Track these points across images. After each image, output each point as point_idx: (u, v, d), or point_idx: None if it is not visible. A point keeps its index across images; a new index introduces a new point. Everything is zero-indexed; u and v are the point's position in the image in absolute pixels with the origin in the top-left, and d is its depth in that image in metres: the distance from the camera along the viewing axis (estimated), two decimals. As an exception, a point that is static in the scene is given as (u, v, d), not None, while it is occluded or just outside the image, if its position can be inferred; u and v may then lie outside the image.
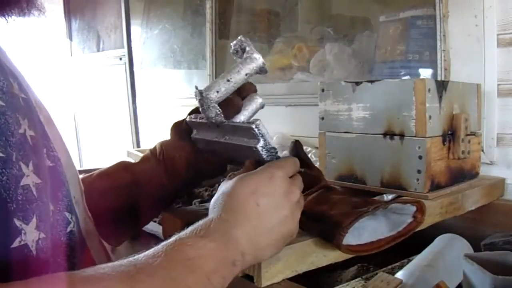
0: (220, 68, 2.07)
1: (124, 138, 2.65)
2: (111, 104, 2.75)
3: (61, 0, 3.14)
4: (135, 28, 2.66)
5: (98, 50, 2.94)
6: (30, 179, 0.38)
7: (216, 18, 2.05)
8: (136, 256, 0.39)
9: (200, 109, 0.56)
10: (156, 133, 2.52)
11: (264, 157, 0.53)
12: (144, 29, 2.69)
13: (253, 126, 0.52)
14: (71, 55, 3.19)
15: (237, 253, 0.44)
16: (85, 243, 0.50)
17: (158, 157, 0.68)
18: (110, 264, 0.37)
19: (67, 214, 0.45)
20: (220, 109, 0.55)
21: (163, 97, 2.45)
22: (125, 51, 2.59)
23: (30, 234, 0.37)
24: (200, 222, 0.44)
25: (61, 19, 3.17)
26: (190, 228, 0.43)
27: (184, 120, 0.68)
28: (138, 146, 2.61)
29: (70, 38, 3.18)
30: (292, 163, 0.52)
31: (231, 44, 0.59)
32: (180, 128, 0.68)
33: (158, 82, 2.59)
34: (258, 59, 0.57)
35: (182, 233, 0.43)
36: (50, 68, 3.09)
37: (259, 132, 0.53)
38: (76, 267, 0.45)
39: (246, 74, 0.57)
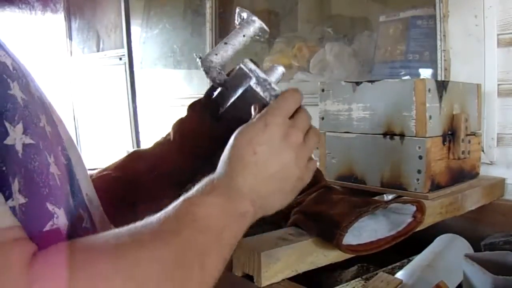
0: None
1: (124, 138, 2.65)
2: (111, 104, 2.75)
3: (61, 0, 3.14)
4: (135, 28, 2.66)
5: (98, 50, 2.94)
6: (54, 168, 0.38)
7: (216, 18, 2.05)
8: (146, 221, 0.38)
9: (206, 76, 0.56)
10: (156, 133, 2.51)
11: (261, 94, 0.50)
12: (144, 29, 2.69)
13: (240, 65, 0.51)
14: (71, 55, 3.19)
15: (243, 204, 0.43)
16: None
17: (174, 136, 0.66)
18: (118, 230, 0.37)
19: (81, 210, 0.45)
20: (220, 68, 0.55)
21: (163, 97, 2.45)
22: (125, 51, 2.59)
23: (62, 218, 0.37)
24: (205, 179, 0.44)
25: (61, 19, 3.17)
26: (196, 187, 0.43)
27: (200, 99, 0.67)
28: (138, 146, 2.60)
29: (70, 38, 3.18)
30: (291, 101, 0.47)
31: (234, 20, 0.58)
32: (197, 105, 0.66)
33: (158, 82, 2.59)
34: (256, 21, 0.57)
35: (189, 193, 0.42)
36: (50, 68, 3.09)
37: (247, 69, 0.51)
38: None
39: (243, 36, 0.56)
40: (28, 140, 0.36)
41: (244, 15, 0.57)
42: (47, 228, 0.36)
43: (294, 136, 0.45)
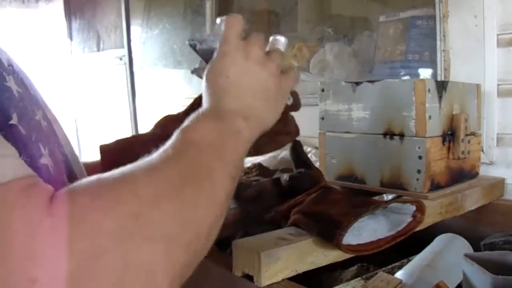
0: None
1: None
2: (111, 104, 2.75)
3: (61, 0, 3.14)
4: (135, 28, 2.66)
5: (98, 50, 2.94)
6: (47, 159, 0.38)
7: (216, 18, 2.05)
8: (144, 160, 0.38)
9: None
10: (156, 133, 2.51)
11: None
12: (144, 29, 2.69)
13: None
14: (72, 54, 3.19)
15: (236, 121, 0.45)
16: None
17: (155, 130, 0.67)
18: (120, 170, 0.36)
19: None
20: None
21: (163, 97, 2.45)
22: (125, 51, 2.59)
23: None
24: (193, 114, 0.44)
25: (61, 19, 3.17)
26: (185, 122, 0.43)
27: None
28: (138, 146, 2.60)
29: (70, 38, 3.18)
30: (233, 25, 0.50)
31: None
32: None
33: (158, 82, 2.59)
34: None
35: (180, 127, 0.42)
36: (50, 68, 3.09)
37: (192, 43, 0.53)
38: None
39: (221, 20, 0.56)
40: (22, 131, 0.36)
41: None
42: None
43: (253, 51, 0.48)
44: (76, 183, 0.32)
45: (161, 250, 0.31)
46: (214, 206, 0.38)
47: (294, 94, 0.60)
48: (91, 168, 0.61)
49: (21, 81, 0.40)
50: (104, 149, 0.67)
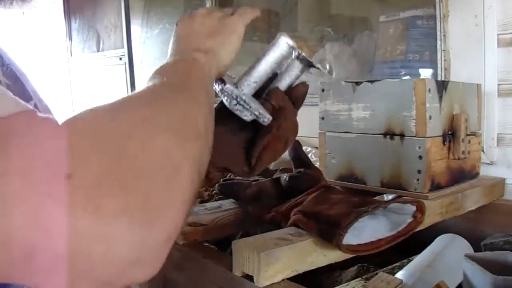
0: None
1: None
2: (111, 104, 2.74)
3: (61, 0, 3.14)
4: (135, 28, 2.66)
5: (98, 50, 2.94)
6: None
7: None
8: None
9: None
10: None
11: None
12: (144, 28, 2.69)
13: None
14: (71, 55, 3.19)
15: (189, 53, 0.50)
16: None
17: None
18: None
19: None
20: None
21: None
22: (125, 51, 2.59)
23: None
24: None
25: (61, 19, 3.17)
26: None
27: None
28: (138, 146, 2.59)
29: (70, 38, 3.18)
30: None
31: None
32: None
33: (158, 82, 2.58)
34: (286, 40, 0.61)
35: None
36: (50, 68, 3.09)
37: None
38: None
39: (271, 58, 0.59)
40: None
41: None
42: None
43: (199, 11, 0.57)
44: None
45: (172, 140, 0.32)
46: (201, 105, 0.40)
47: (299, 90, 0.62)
48: None
49: (11, 73, 0.41)
50: None
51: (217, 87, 0.55)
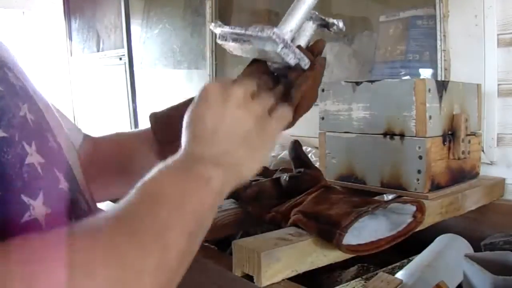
0: (220, 68, 2.07)
1: (124, 138, 2.64)
2: (111, 104, 2.74)
3: (61, 0, 3.14)
4: (135, 28, 2.66)
5: (98, 50, 2.94)
6: (34, 158, 0.38)
7: (216, 18, 2.05)
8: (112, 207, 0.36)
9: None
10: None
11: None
12: (144, 29, 2.69)
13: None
14: (71, 55, 3.19)
15: (205, 168, 0.41)
16: None
17: (151, 124, 0.66)
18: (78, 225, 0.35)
19: (77, 194, 0.46)
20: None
21: (163, 97, 2.45)
22: (125, 51, 2.59)
23: (39, 209, 0.37)
24: (159, 166, 0.41)
25: (61, 19, 3.17)
26: (153, 169, 0.40)
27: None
28: (138, 146, 2.60)
29: (70, 38, 3.18)
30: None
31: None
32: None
33: (158, 82, 2.59)
34: None
35: (144, 178, 0.39)
36: (50, 68, 3.09)
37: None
38: None
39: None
40: (1, 134, 0.36)
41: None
42: (24, 219, 0.36)
43: (233, 93, 0.45)
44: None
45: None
46: (162, 271, 0.35)
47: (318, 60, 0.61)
48: (144, 136, 0.64)
49: (4, 76, 0.40)
50: (153, 116, 0.66)
51: (260, 33, 0.54)
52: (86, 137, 0.68)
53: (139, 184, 0.38)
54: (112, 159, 0.68)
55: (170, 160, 0.42)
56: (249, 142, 0.44)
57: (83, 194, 0.48)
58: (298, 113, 0.57)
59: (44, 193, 0.39)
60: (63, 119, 0.55)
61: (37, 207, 0.37)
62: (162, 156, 0.53)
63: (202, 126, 0.43)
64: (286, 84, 0.57)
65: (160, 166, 0.40)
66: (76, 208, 0.44)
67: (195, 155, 0.42)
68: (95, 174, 0.61)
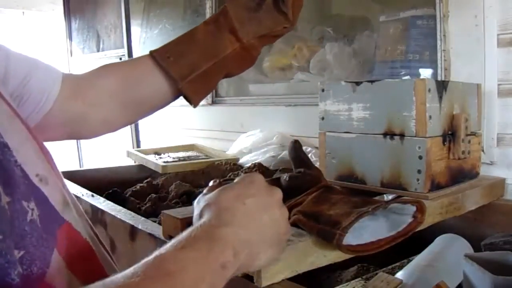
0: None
1: (124, 138, 2.65)
2: (111, 104, 2.75)
3: (61, 0, 3.15)
4: (135, 28, 2.66)
5: (98, 50, 2.94)
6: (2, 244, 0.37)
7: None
8: (112, 278, 0.36)
9: None
10: (156, 133, 2.52)
11: None
12: (144, 29, 2.69)
13: None
14: (71, 55, 3.19)
15: (225, 254, 0.41)
16: (92, 250, 0.49)
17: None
18: None
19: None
20: None
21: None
22: (125, 51, 2.59)
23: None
24: (182, 234, 0.41)
25: (61, 19, 3.17)
26: (171, 242, 0.40)
27: None
28: (138, 146, 2.60)
29: (70, 38, 3.18)
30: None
31: None
32: None
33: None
34: None
35: (162, 248, 0.39)
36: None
37: None
38: (88, 273, 0.45)
39: None
40: None
41: None
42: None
43: (277, 192, 0.48)
44: None
45: None
46: None
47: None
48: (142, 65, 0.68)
49: None
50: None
51: None
52: (67, 76, 0.66)
53: (152, 259, 0.38)
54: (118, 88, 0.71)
55: (191, 233, 0.41)
56: (272, 239, 0.47)
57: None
58: (295, 12, 0.65)
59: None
60: (37, 65, 0.57)
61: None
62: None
63: (244, 209, 0.44)
64: None
65: (179, 240, 0.40)
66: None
67: (220, 235, 0.42)
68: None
